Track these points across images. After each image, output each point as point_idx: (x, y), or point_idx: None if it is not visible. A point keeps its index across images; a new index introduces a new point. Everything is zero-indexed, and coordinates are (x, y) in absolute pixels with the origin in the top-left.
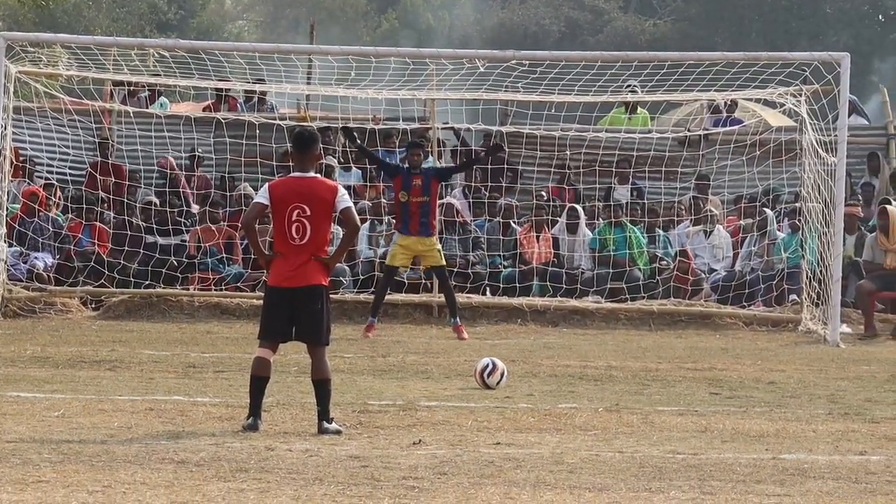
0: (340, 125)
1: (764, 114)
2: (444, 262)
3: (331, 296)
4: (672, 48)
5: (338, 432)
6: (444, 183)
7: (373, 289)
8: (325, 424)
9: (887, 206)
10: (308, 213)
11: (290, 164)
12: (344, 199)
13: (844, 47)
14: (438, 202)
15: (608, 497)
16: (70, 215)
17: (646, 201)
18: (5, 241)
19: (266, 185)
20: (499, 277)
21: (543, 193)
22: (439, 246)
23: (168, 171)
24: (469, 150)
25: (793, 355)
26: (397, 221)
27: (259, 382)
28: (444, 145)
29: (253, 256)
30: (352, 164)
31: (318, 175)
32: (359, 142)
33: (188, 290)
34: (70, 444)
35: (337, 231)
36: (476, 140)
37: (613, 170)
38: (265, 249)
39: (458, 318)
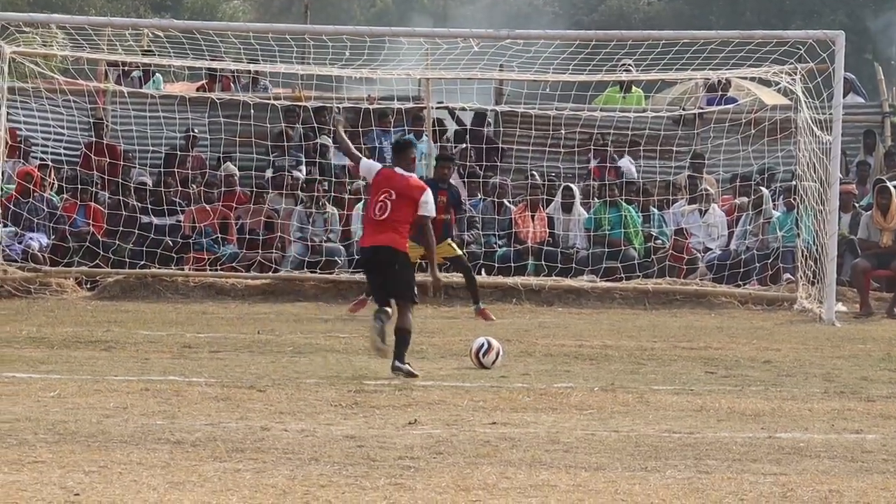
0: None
1: (759, 92)
2: (459, 252)
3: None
4: (667, 27)
5: (409, 374)
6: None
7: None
8: (397, 363)
9: (890, 186)
10: (393, 197)
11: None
12: (427, 205)
13: (840, 25)
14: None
15: (604, 476)
16: (65, 195)
17: (624, 180)
18: (0, 222)
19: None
20: (494, 257)
21: (535, 173)
22: (450, 240)
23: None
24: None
25: (788, 334)
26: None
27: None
28: (440, 125)
29: (247, 237)
30: None
31: (413, 175)
32: None
33: (183, 270)
34: (66, 424)
35: None
36: (470, 119)
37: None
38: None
39: (480, 304)
